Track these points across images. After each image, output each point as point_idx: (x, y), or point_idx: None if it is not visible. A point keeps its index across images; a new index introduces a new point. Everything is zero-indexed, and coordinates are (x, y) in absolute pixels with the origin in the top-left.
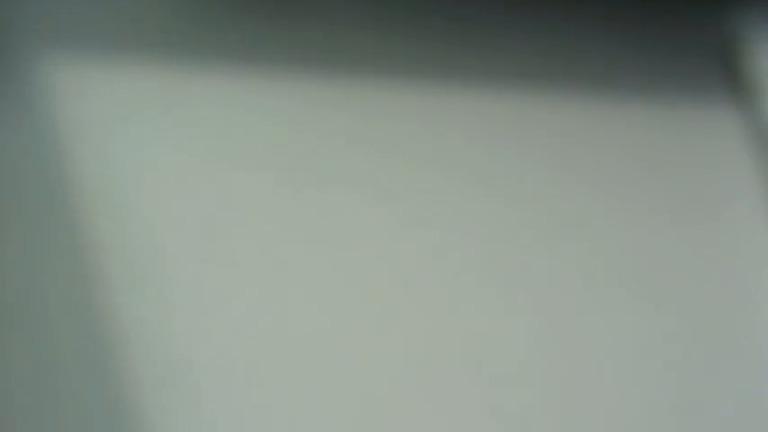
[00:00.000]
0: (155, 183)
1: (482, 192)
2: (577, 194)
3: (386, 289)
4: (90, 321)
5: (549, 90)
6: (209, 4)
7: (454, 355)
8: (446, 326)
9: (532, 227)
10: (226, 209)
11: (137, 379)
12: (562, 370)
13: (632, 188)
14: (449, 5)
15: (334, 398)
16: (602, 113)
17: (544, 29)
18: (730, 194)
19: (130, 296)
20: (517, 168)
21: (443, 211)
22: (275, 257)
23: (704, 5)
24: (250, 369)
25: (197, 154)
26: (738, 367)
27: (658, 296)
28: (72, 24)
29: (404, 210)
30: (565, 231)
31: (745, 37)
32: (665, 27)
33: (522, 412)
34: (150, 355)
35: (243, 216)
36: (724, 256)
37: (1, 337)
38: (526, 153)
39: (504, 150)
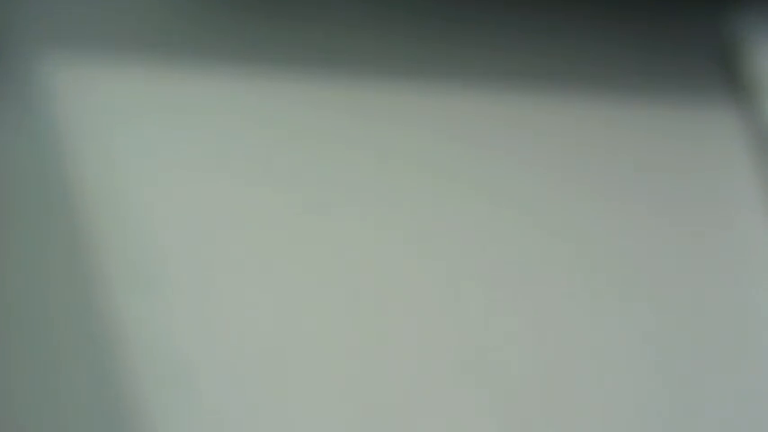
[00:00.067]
0: (155, 183)
1: (483, 193)
2: (577, 194)
3: (384, 290)
4: (90, 321)
5: (548, 91)
6: (209, 5)
7: (449, 357)
8: (441, 328)
9: (532, 228)
10: (226, 209)
11: (137, 379)
12: (560, 373)
13: (632, 189)
14: (449, 5)
15: (335, 398)
16: (601, 114)
17: (544, 29)
18: (730, 195)
19: (131, 296)
20: (517, 168)
21: (443, 213)
22: (276, 257)
23: (704, 6)
24: (251, 369)
25: (197, 154)
26: (738, 369)
27: (658, 297)
28: (72, 24)
29: (404, 210)
30: (563, 233)
31: (744, 37)
32: (665, 27)
33: (518, 413)
34: (151, 356)
35: (244, 216)
36: (724, 257)
37: (1, 337)
38: (526, 153)
39: (505, 150)
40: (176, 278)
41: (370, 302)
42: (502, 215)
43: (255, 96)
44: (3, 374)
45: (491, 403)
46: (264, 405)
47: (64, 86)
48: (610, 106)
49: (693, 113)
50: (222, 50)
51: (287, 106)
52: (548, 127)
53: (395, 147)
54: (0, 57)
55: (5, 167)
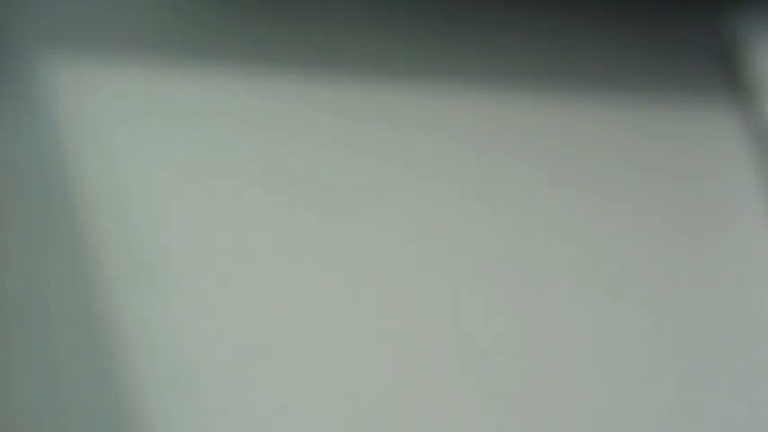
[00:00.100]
0: (155, 183)
1: (482, 193)
2: (577, 195)
3: (384, 290)
4: (90, 321)
5: (547, 91)
6: (209, 5)
7: (449, 357)
8: (441, 328)
9: (532, 229)
10: (227, 209)
11: (138, 379)
12: (560, 373)
13: (631, 189)
14: (449, 5)
15: (336, 399)
16: (600, 114)
17: (544, 29)
18: (730, 195)
19: (131, 296)
20: (516, 169)
21: (443, 213)
22: (277, 257)
23: (704, 6)
24: (252, 369)
25: (198, 153)
26: (737, 369)
27: (657, 297)
28: (72, 24)
29: (404, 210)
30: (563, 233)
31: (744, 37)
32: (665, 27)
33: (517, 413)
34: (152, 356)
35: (244, 216)
36: (724, 258)
37: (1, 337)
38: (526, 154)
39: (504, 151)
40: (177, 278)
41: (370, 302)
42: (501, 216)
43: (255, 97)
44: (3, 374)
45: (491, 403)
46: (265, 405)
47: (64, 86)
48: (610, 106)
49: (693, 113)
50: (222, 50)
51: (287, 106)
52: (547, 127)
53: (395, 147)
54: (0, 57)
55: (5, 167)
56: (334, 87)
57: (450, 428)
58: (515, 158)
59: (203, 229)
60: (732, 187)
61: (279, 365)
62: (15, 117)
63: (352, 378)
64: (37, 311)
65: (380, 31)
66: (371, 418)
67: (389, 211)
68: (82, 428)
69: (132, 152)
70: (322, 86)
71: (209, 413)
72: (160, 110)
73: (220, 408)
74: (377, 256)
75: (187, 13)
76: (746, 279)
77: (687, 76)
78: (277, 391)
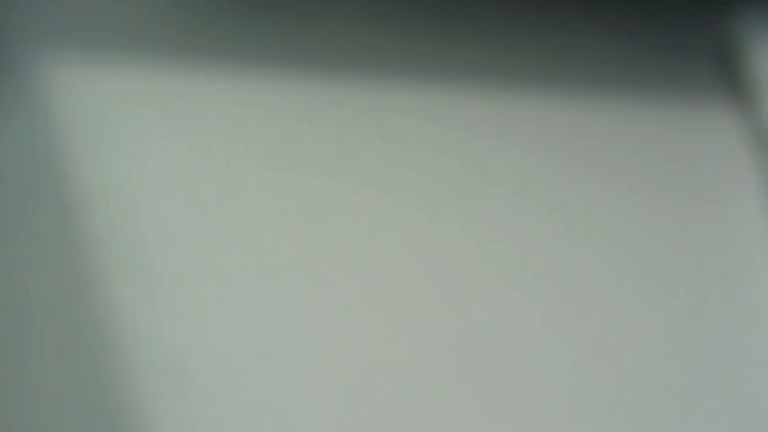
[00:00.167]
0: (155, 182)
1: (482, 191)
2: (577, 195)
3: (385, 290)
4: (89, 321)
5: (547, 91)
6: (209, 5)
7: (462, 350)
8: (453, 320)
9: (531, 229)
10: (227, 208)
11: (137, 379)
12: (559, 373)
13: (631, 189)
14: (450, 5)
15: (335, 399)
16: (600, 114)
17: (544, 29)
18: (730, 195)
19: (130, 296)
20: (518, 166)
21: (452, 208)
22: (276, 255)
23: (704, 6)
24: (251, 369)
25: (198, 153)
26: (737, 369)
27: (657, 297)
28: (72, 24)
29: (410, 206)
30: (562, 234)
31: (744, 38)
32: (665, 27)
33: (517, 413)
34: (150, 355)
35: (243, 215)
36: (724, 257)
37: (1, 337)
38: (528, 151)
39: (508, 147)
40: (176, 278)
41: (370, 302)
42: (502, 215)
43: (256, 96)
44: (3, 374)
45: (491, 403)
46: (264, 405)
47: (63, 86)
48: (609, 106)
49: (693, 113)
50: (222, 50)
51: (288, 105)
52: (547, 127)
53: (396, 146)
54: (0, 57)
55: (5, 167)
56: (335, 87)
57: (452, 428)
58: (515, 158)
59: (203, 228)
60: (732, 187)
61: (278, 365)
62: (15, 117)
63: (352, 378)
64: (35, 310)
65: (382, 30)
66: (371, 417)
67: (391, 212)
68: (81, 428)
69: (132, 151)
70: (322, 86)
71: (207, 413)
72: (159, 110)
73: (219, 407)
74: (377, 256)
75: (187, 13)
76: (746, 277)
77: (687, 77)
78: (277, 391)
